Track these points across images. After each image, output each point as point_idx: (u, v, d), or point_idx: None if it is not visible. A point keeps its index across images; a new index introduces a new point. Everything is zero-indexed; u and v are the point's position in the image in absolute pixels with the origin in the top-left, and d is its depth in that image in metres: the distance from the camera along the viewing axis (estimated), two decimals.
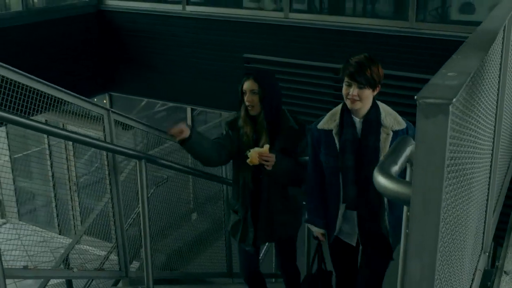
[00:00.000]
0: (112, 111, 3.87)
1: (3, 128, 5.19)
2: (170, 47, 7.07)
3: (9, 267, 3.27)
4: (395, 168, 1.27)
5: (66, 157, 7.09)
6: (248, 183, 3.47)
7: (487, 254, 2.35)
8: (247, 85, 3.38)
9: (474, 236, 1.94)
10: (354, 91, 2.87)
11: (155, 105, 8.29)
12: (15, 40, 6.31)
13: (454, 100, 1.03)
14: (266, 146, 3.23)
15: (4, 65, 3.19)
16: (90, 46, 7.24)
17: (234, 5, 6.80)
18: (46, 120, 6.15)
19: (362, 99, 2.87)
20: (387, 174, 1.21)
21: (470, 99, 1.30)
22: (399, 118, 2.98)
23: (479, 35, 1.69)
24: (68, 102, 3.60)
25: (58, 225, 7.86)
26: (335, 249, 3.31)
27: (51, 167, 6.96)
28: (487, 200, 2.18)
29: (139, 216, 3.79)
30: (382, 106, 3.00)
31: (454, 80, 1.14)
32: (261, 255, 4.80)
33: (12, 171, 8.10)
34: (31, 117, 3.29)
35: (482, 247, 2.27)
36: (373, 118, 2.93)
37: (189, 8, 6.84)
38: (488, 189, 2.17)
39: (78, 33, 7.07)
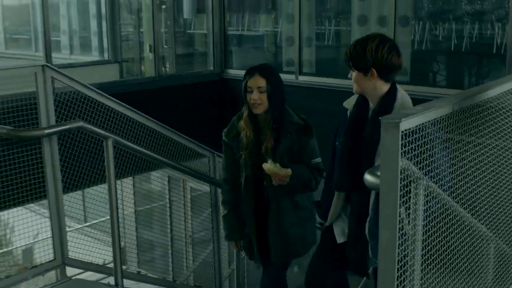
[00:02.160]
0: None
1: (130, 181, 6.10)
2: None
3: None
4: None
5: (184, 213, 7.96)
6: (248, 185, 3.35)
7: None
8: (253, 81, 3.24)
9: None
10: (350, 72, 2.83)
11: None
12: (149, 101, 7.41)
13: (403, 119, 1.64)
14: (287, 172, 3.13)
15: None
16: (213, 108, 8.21)
17: (342, 76, 7.49)
18: (169, 176, 7.09)
19: (356, 82, 2.79)
20: (372, 172, 1.82)
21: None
22: None
23: None
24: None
25: (173, 275, 8.69)
26: (325, 234, 3.16)
27: (171, 221, 7.85)
28: None
29: None
30: (401, 98, 2.80)
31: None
32: None
33: (136, 222, 9.11)
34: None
35: None
36: (383, 108, 2.72)
37: (302, 78, 7.61)
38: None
39: (203, 97, 8.07)
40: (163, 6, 8.65)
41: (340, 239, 3.00)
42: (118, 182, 4.93)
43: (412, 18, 6.37)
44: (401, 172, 1.69)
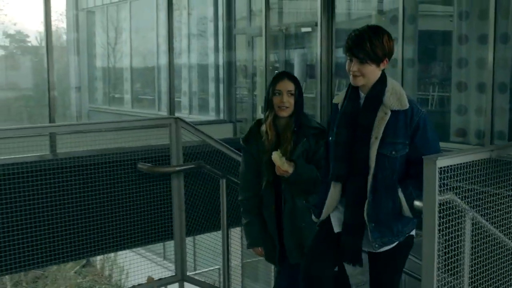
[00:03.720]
0: None
1: (239, 232, 6.70)
2: None
3: None
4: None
5: None
6: (269, 187, 3.48)
7: None
8: (283, 85, 3.44)
9: None
10: (354, 66, 2.83)
11: None
12: None
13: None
14: (288, 168, 3.28)
15: None
16: None
17: (445, 139, 7.83)
18: None
19: (364, 75, 2.84)
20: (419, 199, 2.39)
21: None
22: (404, 98, 2.84)
23: None
24: None
25: None
26: (322, 226, 3.19)
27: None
28: None
29: None
30: (391, 83, 2.90)
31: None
32: None
33: (242, 275, 9.67)
34: None
35: None
36: (374, 94, 2.85)
37: None
38: None
39: None
40: (276, 71, 9.52)
41: (337, 228, 3.04)
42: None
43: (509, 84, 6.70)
44: (445, 203, 2.24)
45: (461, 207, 2.36)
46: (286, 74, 3.51)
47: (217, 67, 10.41)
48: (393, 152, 2.78)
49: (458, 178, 2.27)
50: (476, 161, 2.34)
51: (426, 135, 2.80)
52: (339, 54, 9.03)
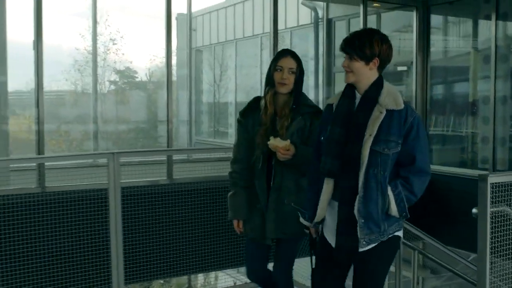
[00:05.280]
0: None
1: None
2: None
3: None
4: None
5: None
6: (261, 158, 3.52)
7: None
8: (286, 62, 3.53)
9: None
10: (345, 62, 3.03)
11: None
12: None
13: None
14: (286, 143, 3.34)
15: None
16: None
17: None
18: None
19: (353, 72, 3.00)
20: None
21: None
22: (400, 99, 2.98)
23: None
24: None
25: None
26: (320, 243, 3.25)
27: None
28: None
29: None
30: (387, 86, 3.04)
31: None
32: None
33: None
34: None
35: None
36: (370, 94, 2.99)
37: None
38: None
39: None
40: None
41: (333, 243, 3.08)
42: None
43: None
44: (497, 213, 2.78)
45: None
46: (290, 52, 3.61)
47: (317, 103, 10.97)
48: (386, 149, 2.91)
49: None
50: None
51: (418, 136, 2.97)
52: (435, 90, 9.48)
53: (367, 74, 2.99)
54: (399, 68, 10.03)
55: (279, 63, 3.52)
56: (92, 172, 6.52)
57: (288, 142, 3.35)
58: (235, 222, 3.73)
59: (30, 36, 6.48)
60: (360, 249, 2.96)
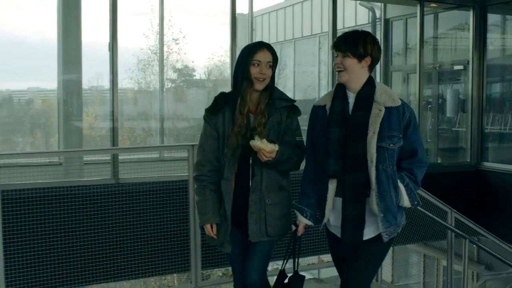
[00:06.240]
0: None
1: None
2: None
3: None
4: None
5: None
6: (233, 160, 3.27)
7: None
8: (263, 55, 3.24)
9: None
10: (337, 59, 3.07)
11: None
12: None
13: None
14: (273, 148, 3.12)
15: None
16: (469, 198, 9.25)
17: None
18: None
19: (346, 69, 3.06)
20: None
21: None
22: (395, 96, 3.09)
23: None
24: None
25: None
26: (329, 240, 3.35)
27: None
28: None
29: None
30: (380, 84, 3.14)
31: None
32: None
33: None
34: None
35: None
36: (365, 93, 3.07)
37: None
38: None
39: (458, 187, 9.21)
40: (429, 106, 10.23)
41: (338, 233, 3.18)
42: None
43: None
44: None
45: None
46: (265, 44, 3.31)
47: None
48: (391, 145, 3.03)
49: None
50: None
51: (416, 130, 3.13)
52: (492, 89, 9.60)
53: (359, 72, 3.07)
54: (456, 67, 10.17)
55: (255, 57, 3.25)
56: (156, 166, 6.96)
57: (276, 147, 3.15)
58: (207, 227, 3.38)
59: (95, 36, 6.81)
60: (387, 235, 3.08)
